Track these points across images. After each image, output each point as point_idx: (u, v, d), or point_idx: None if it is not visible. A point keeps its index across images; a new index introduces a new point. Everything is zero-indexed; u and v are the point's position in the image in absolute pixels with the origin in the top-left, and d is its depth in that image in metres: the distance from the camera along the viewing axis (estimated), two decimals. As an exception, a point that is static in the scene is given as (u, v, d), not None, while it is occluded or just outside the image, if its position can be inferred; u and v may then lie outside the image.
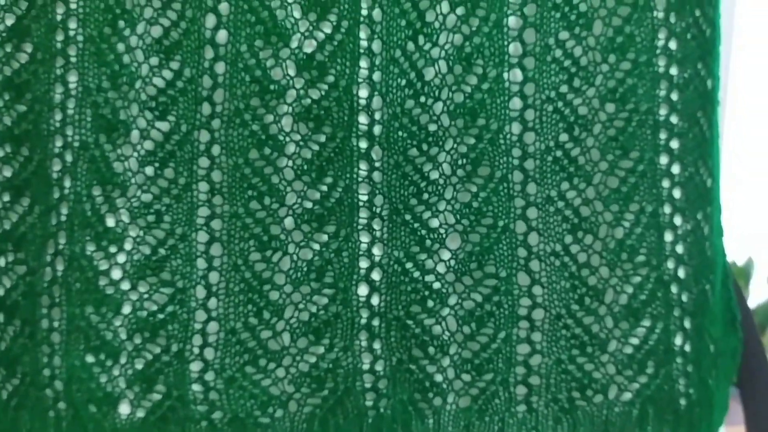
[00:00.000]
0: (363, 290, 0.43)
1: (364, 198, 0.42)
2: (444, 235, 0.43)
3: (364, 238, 0.43)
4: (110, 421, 0.43)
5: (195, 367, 0.43)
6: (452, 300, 0.43)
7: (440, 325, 0.43)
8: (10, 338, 0.44)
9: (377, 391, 0.44)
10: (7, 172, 0.42)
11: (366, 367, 0.44)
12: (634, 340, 0.44)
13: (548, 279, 0.44)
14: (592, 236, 0.43)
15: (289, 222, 0.42)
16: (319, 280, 0.42)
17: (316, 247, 0.42)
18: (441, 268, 0.43)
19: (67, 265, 0.42)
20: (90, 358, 0.43)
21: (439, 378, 0.44)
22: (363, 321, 0.43)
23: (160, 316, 0.42)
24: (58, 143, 0.41)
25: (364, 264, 0.43)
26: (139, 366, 0.43)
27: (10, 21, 0.41)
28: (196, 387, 0.43)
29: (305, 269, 0.42)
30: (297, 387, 0.43)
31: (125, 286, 0.42)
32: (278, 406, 0.43)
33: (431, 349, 0.43)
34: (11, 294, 0.43)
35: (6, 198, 0.43)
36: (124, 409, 0.43)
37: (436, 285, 0.43)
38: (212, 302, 0.42)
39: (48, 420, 0.44)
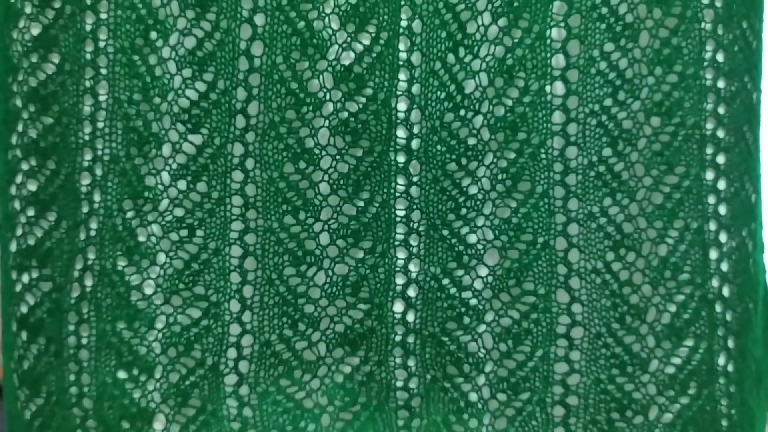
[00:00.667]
0: (399, 307, 0.42)
1: (402, 213, 0.41)
2: (482, 251, 0.41)
3: (401, 254, 0.41)
4: None
5: (230, 380, 0.42)
6: (489, 317, 0.42)
7: (476, 342, 0.42)
8: (34, 357, 0.42)
9: (410, 409, 0.43)
10: (32, 186, 0.41)
11: (400, 384, 0.42)
12: (677, 360, 0.43)
13: (588, 297, 0.42)
14: (635, 253, 0.42)
15: (324, 237, 0.41)
16: (355, 295, 0.41)
17: (352, 262, 0.41)
18: (478, 285, 0.42)
19: (97, 280, 0.41)
20: (122, 374, 0.42)
21: (474, 397, 0.43)
22: (398, 338, 0.42)
23: (194, 330, 0.41)
24: (88, 156, 0.40)
25: (400, 280, 0.42)
26: (173, 380, 0.42)
27: (36, 30, 0.40)
28: (231, 402, 0.42)
29: (340, 284, 0.41)
30: (330, 400, 0.42)
31: (158, 300, 0.41)
32: (311, 420, 0.42)
33: (466, 367, 0.42)
34: (35, 311, 0.42)
35: (30, 213, 0.41)
36: (158, 425, 0.42)
37: (473, 301, 0.42)
38: (246, 315, 0.41)
39: None
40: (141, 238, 0.41)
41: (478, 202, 0.41)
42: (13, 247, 0.42)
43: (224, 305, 0.41)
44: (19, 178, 0.41)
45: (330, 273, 0.41)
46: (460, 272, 0.41)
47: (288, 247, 0.40)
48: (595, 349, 0.43)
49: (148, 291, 0.41)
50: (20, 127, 0.40)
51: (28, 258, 0.41)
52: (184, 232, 0.41)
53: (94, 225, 0.41)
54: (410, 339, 0.42)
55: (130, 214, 0.40)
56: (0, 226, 0.43)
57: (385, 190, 0.40)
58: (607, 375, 0.43)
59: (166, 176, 0.40)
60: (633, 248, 0.42)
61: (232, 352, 0.42)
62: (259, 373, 0.42)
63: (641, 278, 0.42)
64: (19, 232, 0.41)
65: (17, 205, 0.41)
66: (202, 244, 0.41)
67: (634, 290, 0.42)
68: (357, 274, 0.41)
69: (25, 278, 0.42)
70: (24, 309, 0.42)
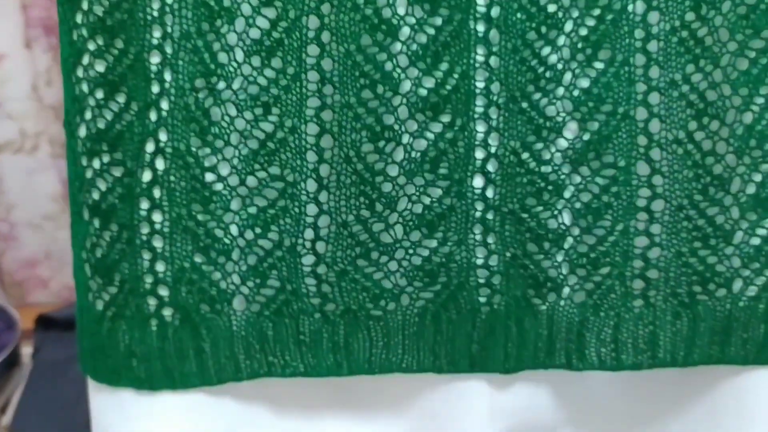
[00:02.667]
0: (478, 182, 0.40)
1: (481, 85, 0.39)
2: (561, 124, 0.40)
3: (480, 128, 0.39)
4: (225, 319, 0.41)
5: (307, 261, 0.41)
6: (568, 192, 0.41)
7: (556, 219, 0.41)
8: (107, 244, 0.41)
9: (491, 286, 0.42)
10: (100, 67, 0.39)
11: (480, 261, 0.41)
12: (762, 232, 0.41)
13: (670, 168, 0.41)
14: (719, 122, 0.40)
15: (402, 111, 0.39)
16: (434, 171, 0.40)
17: (431, 136, 0.39)
18: (558, 159, 0.40)
19: (170, 163, 0.39)
20: (199, 258, 0.40)
21: (553, 273, 0.41)
22: (478, 214, 0.41)
23: (271, 211, 0.40)
24: (157, 34, 0.38)
25: (480, 155, 0.40)
26: (251, 262, 0.41)
27: None
28: (309, 281, 0.41)
29: (419, 160, 0.39)
30: (409, 281, 0.41)
31: (233, 181, 0.40)
32: (390, 299, 0.42)
33: (546, 244, 0.41)
34: (107, 197, 0.40)
35: (99, 95, 0.39)
36: (238, 305, 0.41)
37: (553, 176, 0.40)
38: (323, 195, 0.40)
39: (149, 330, 0.42)
40: (214, 118, 0.39)
41: (557, 73, 0.39)
42: (83, 131, 0.40)
43: (300, 185, 0.40)
44: (86, 59, 0.39)
45: (409, 149, 0.39)
46: (540, 146, 0.40)
47: (366, 123, 0.39)
48: (677, 222, 0.41)
49: (224, 172, 0.40)
50: (85, 5, 0.38)
51: (98, 142, 0.40)
52: (258, 111, 0.39)
53: (165, 106, 0.39)
54: (490, 216, 0.41)
55: (202, 94, 0.38)
56: (67, 111, 0.41)
57: (465, 61, 0.38)
58: (688, 248, 0.41)
59: (239, 53, 0.38)
60: (717, 116, 0.40)
61: (309, 233, 0.40)
62: (337, 254, 0.41)
63: (725, 147, 0.40)
64: (88, 115, 0.40)
65: (85, 87, 0.39)
66: (277, 122, 0.39)
67: (717, 160, 0.40)
68: (436, 149, 0.39)
69: (96, 164, 0.40)
70: (96, 195, 0.40)
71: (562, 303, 0.42)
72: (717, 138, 0.40)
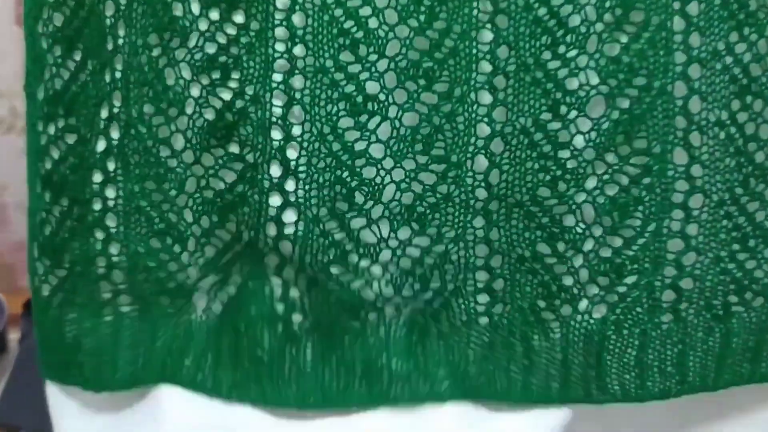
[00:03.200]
0: (480, 165, 0.33)
1: (485, 48, 0.32)
2: (584, 99, 0.33)
3: (484, 100, 0.32)
4: (185, 318, 0.36)
5: (272, 261, 0.34)
6: (590, 183, 0.34)
7: (574, 215, 0.34)
8: (56, 220, 0.36)
9: (491, 293, 0.35)
10: (58, 21, 0.34)
11: (480, 262, 0.34)
12: None
13: (710, 156, 0.34)
14: (762, 101, 0.33)
15: (389, 78, 0.32)
16: (427, 152, 0.32)
17: (424, 110, 0.32)
18: (578, 142, 0.33)
19: (123, 132, 0.33)
20: (155, 243, 0.34)
21: (569, 281, 0.34)
22: (479, 204, 0.33)
23: (229, 197, 0.33)
24: None
25: (482, 132, 0.33)
26: (209, 254, 0.34)
27: None
28: (275, 281, 0.34)
29: (409, 138, 0.32)
30: (396, 289, 0.34)
31: (188, 158, 0.33)
32: (371, 310, 0.34)
33: (561, 245, 0.34)
34: (59, 168, 0.35)
35: (57, 52, 0.34)
36: (200, 303, 0.36)
37: (571, 163, 0.33)
38: (290, 184, 0.32)
39: (102, 320, 0.36)
40: (169, 81, 0.32)
41: (580, 37, 0.32)
42: (41, 93, 0.35)
43: (263, 167, 0.32)
44: (45, 13, 0.34)
45: (397, 124, 0.32)
46: (557, 125, 0.33)
47: (345, 92, 0.32)
48: (716, 221, 0.34)
49: (177, 146, 0.33)
50: None
51: (54, 105, 0.35)
52: (216, 74, 0.32)
53: (119, 65, 0.33)
54: (493, 206, 0.33)
55: (156, 51, 0.32)
56: (28, 72, 0.36)
57: (465, 18, 0.31)
58: (727, 251, 0.35)
59: (195, 4, 0.32)
60: (760, 95, 0.33)
61: (272, 229, 0.33)
62: (306, 258, 0.33)
63: None
64: (47, 75, 0.35)
65: (44, 44, 0.34)
66: (237, 89, 0.32)
67: (760, 146, 0.34)
68: (430, 125, 0.32)
69: (51, 129, 0.35)
70: (48, 165, 0.35)
71: (578, 318, 0.35)
72: (760, 120, 0.34)
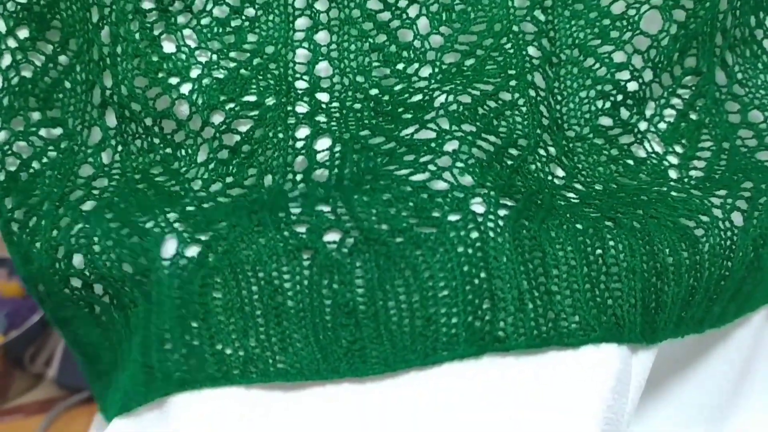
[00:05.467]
0: (540, 80, 0.29)
1: None
2: (637, 17, 0.29)
3: (529, 28, 0.29)
4: (152, 278, 0.28)
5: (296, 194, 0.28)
6: (650, 109, 0.30)
7: (642, 146, 0.31)
8: (19, 225, 0.32)
9: (593, 206, 0.28)
10: None
11: (560, 183, 0.30)
12: None
13: (744, 74, 0.31)
14: None
15: (423, 23, 0.29)
16: (479, 79, 0.29)
17: (465, 48, 0.29)
18: (637, 62, 0.30)
19: (119, 117, 0.30)
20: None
21: (683, 194, 0.31)
22: (545, 121, 0.30)
23: (246, 148, 0.29)
24: None
25: (534, 52, 0.29)
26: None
27: None
28: (293, 204, 0.27)
29: (455, 70, 0.29)
30: (477, 180, 0.27)
31: (195, 124, 0.30)
32: (449, 207, 0.26)
33: (643, 177, 0.31)
34: (31, 165, 0.31)
35: (23, 34, 0.30)
36: (168, 251, 0.28)
37: (632, 86, 0.30)
38: (321, 118, 0.28)
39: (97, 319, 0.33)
40: (168, 49, 0.29)
41: None
42: None
43: (287, 108, 0.28)
44: None
45: (438, 64, 0.29)
46: (609, 48, 0.30)
47: (376, 42, 0.28)
48: None
49: (181, 115, 0.30)
50: None
51: (24, 96, 0.31)
52: (229, 39, 0.28)
53: (107, 39, 0.29)
54: (556, 131, 0.30)
55: (151, 16, 0.29)
56: None
57: None
58: None
59: None
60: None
61: (301, 162, 0.28)
62: (344, 171, 0.27)
63: None
64: (6, 61, 0.31)
65: (1, 25, 0.30)
66: (255, 50, 0.28)
67: None
68: (475, 58, 0.29)
69: (18, 125, 0.31)
70: (12, 167, 0.31)
71: (722, 226, 0.30)
72: None
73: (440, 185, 0.25)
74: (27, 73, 0.31)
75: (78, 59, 0.30)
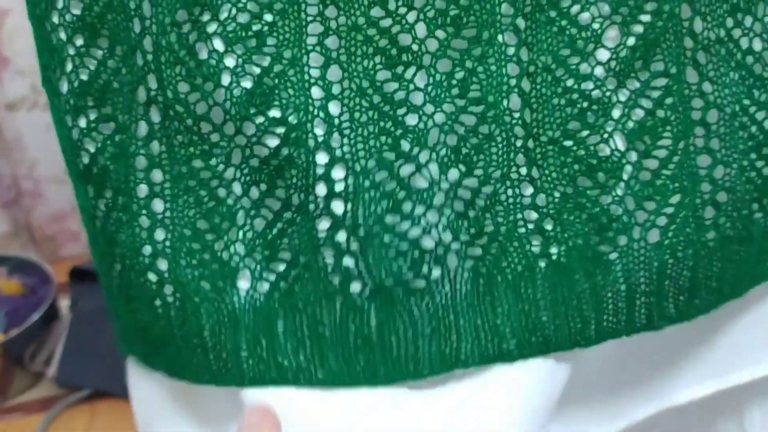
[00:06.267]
0: (515, 103, 0.33)
1: None
2: (599, 31, 0.33)
3: (510, 40, 0.33)
4: (228, 300, 0.34)
5: (323, 226, 0.33)
6: (617, 111, 0.34)
7: (607, 144, 0.34)
8: (103, 214, 0.35)
9: (543, 233, 0.34)
10: (76, 9, 0.33)
11: (527, 201, 0.34)
12: None
13: (716, 72, 0.34)
14: (752, 17, 0.34)
15: (420, 28, 0.32)
16: (464, 95, 0.33)
17: (456, 55, 0.33)
18: (599, 72, 0.34)
19: (163, 114, 0.33)
20: (202, 224, 0.34)
21: (617, 211, 0.35)
22: (519, 142, 0.34)
23: (275, 162, 0.33)
24: None
25: (513, 71, 0.33)
26: (258, 227, 0.34)
27: None
28: (326, 251, 0.33)
29: (446, 84, 0.33)
30: (455, 234, 0.34)
31: (230, 130, 0.33)
32: (434, 263, 0.34)
33: (601, 176, 0.34)
34: (98, 159, 0.34)
35: (79, 41, 0.33)
36: (243, 283, 0.34)
37: (596, 93, 0.34)
38: (335, 139, 0.32)
39: (154, 310, 0.36)
40: (202, 56, 0.32)
41: None
42: (64, 87, 0.34)
43: (306, 127, 0.32)
44: (60, 2, 0.33)
45: (432, 71, 0.33)
46: (576, 60, 0.33)
47: (379, 46, 0.32)
48: (733, 133, 0.35)
49: (217, 119, 0.33)
50: None
51: (82, 97, 0.34)
52: (251, 43, 0.32)
53: (149, 47, 0.33)
54: (530, 144, 0.34)
55: (186, 27, 0.32)
56: (44, 66, 0.35)
57: None
58: (748, 161, 0.36)
59: None
60: (748, 11, 0.34)
61: (321, 188, 0.33)
62: (358, 212, 0.33)
63: (760, 44, 0.34)
64: (68, 67, 0.34)
65: (62, 35, 0.33)
66: (274, 54, 0.32)
67: (756, 59, 0.34)
68: (463, 69, 0.33)
69: (83, 122, 0.34)
70: (85, 159, 0.35)
71: (635, 246, 0.35)
72: (752, 34, 0.34)
73: (428, 242, 0.33)
74: (84, 77, 0.34)
75: (124, 63, 0.33)
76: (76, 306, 1.03)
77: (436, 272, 0.34)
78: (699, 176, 0.35)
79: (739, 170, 0.36)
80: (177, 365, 0.37)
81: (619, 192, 0.35)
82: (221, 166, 0.34)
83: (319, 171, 0.33)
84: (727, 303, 0.38)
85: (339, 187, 0.33)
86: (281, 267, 0.34)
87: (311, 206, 0.33)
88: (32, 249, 1.15)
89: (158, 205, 0.35)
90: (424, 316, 0.34)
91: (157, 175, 0.34)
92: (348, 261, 0.33)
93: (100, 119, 0.34)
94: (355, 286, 0.33)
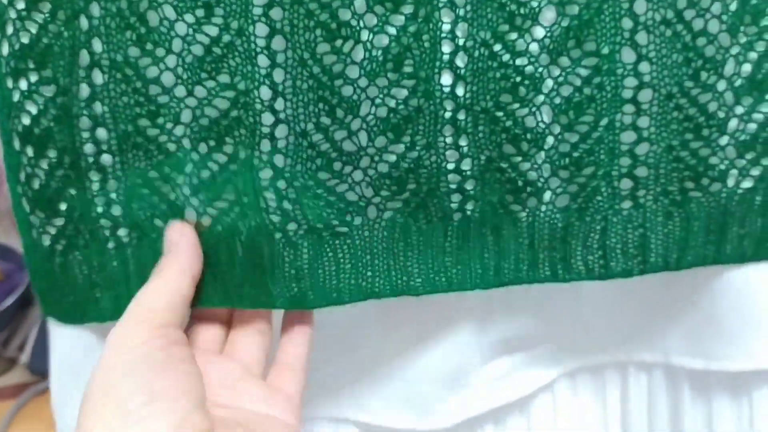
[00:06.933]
0: (447, 79, 0.35)
1: None
2: (537, 9, 0.35)
3: (446, 18, 0.34)
4: None
5: (265, 174, 0.36)
6: (547, 86, 0.36)
7: (534, 116, 0.36)
8: (45, 173, 0.36)
9: (463, 192, 0.37)
10: None
11: (451, 166, 0.37)
12: (759, 117, 0.37)
13: (657, 53, 0.36)
14: None
15: (360, 4, 0.34)
16: (398, 70, 0.35)
17: (393, 31, 0.34)
18: (534, 49, 0.35)
19: (108, 76, 0.35)
20: (153, 174, 0.36)
21: (533, 176, 0.37)
22: (447, 114, 0.36)
23: (224, 122, 0.35)
24: None
25: (447, 48, 0.35)
26: (205, 176, 0.36)
27: None
28: (268, 194, 0.36)
29: (381, 59, 0.35)
30: (376, 190, 0.37)
31: (180, 92, 0.35)
32: (356, 213, 0.37)
33: (524, 145, 0.36)
34: (40, 121, 0.35)
35: (21, 5, 0.34)
36: (190, 216, 0.37)
37: (529, 69, 0.35)
38: (279, 103, 0.35)
39: (108, 254, 0.38)
40: (152, 23, 0.34)
41: None
42: (5, 49, 0.35)
43: (253, 93, 0.35)
44: None
45: (369, 46, 0.34)
46: (513, 35, 0.35)
47: (320, 20, 0.34)
48: (666, 113, 0.36)
49: (168, 83, 0.35)
50: None
51: (23, 60, 0.35)
52: (200, 12, 0.34)
53: (96, 12, 0.34)
54: (461, 116, 0.36)
55: None
56: None
57: None
58: (679, 140, 0.37)
59: None
60: None
61: (265, 144, 0.36)
62: (296, 167, 0.36)
63: (718, 26, 0.35)
64: (9, 30, 0.35)
65: None
66: (222, 25, 0.34)
67: (710, 40, 0.35)
68: (399, 45, 0.34)
69: (23, 84, 0.35)
70: (26, 120, 0.36)
71: (543, 208, 0.38)
72: (709, 15, 0.35)
73: (352, 196, 0.37)
74: (25, 39, 0.34)
75: (66, 27, 0.34)
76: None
77: (358, 220, 0.38)
78: (619, 151, 0.37)
79: (667, 149, 0.37)
80: (124, 305, 0.36)
81: (539, 160, 0.37)
82: (170, 125, 0.36)
83: (265, 130, 0.35)
84: (667, 274, 0.40)
85: (281, 144, 0.36)
86: (224, 205, 0.37)
87: (255, 161, 0.36)
88: (14, 235, 1.15)
89: (107, 159, 0.37)
90: (345, 255, 0.38)
91: (102, 133, 0.36)
92: (287, 205, 0.36)
93: (41, 81, 0.35)
94: (292, 226, 0.37)
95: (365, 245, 0.38)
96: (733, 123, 0.37)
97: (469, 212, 0.38)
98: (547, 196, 0.38)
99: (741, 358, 0.44)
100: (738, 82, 0.36)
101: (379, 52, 0.35)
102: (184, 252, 0.36)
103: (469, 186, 0.37)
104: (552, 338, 0.46)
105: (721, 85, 0.36)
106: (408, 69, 0.35)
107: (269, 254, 0.37)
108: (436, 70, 0.35)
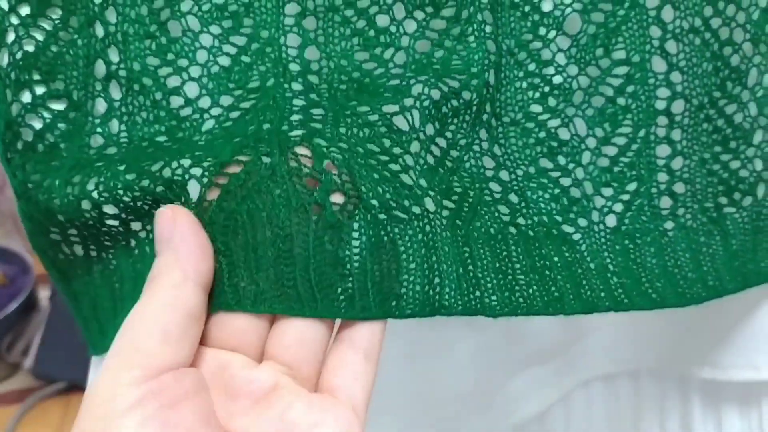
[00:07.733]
0: (493, 78, 0.33)
1: None
2: (561, 18, 0.34)
3: (488, 19, 0.33)
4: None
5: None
6: (578, 97, 0.35)
7: (567, 128, 0.34)
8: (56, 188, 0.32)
9: (509, 204, 0.34)
10: None
11: (489, 173, 0.35)
12: None
13: (688, 62, 0.34)
14: (734, 5, 0.34)
15: (398, 9, 0.32)
16: (446, 67, 0.33)
17: (434, 36, 0.33)
18: (560, 58, 0.34)
19: (126, 90, 0.32)
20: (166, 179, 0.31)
21: (576, 194, 0.35)
22: (485, 116, 0.34)
23: (253, 127, 0.31)
24: None
25: (492, 47, 0.33)
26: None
27: None
28: (303, 150, 0.30)
29: (425, 62, 0.33)
30: (429, 183, 0.33)
31: (205, 103, 0.32)
32: (413, 200, 0.32)
33: (561, 159, 0.35)
34: (45, 136, 0.31)
35: (25, 11, 0.30)
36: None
37: (557, 79, 0.34)
38: (312, 82, 0.32)
39: (131, 253, 0.32)
40: (174, 33, 0.32)
41: None
42: (4, 59, 0.31)
43: (284, 86, 0.32)
44: None
45: (411, 51, 0.33)
46: (538, 44, 0.34)
47: (357, 27, 0.32)
48: (697, 125, 0.35)
49: (191, 94, 0.32)
50: None
51: (27, 70, 0.31)
52: (227, 23, 0.32)
53: (112, 19, 0.31)
54: (493, 122, 0.34)
55: (158, 3, 0.31)
56: None
57: None
58: (710, 153, 0.36)
59: None
60: (732, 0, 0.34)
61: (296, 131, 0.31)
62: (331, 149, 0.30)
63: (742, 35, 0.34)
64: (10, 37, 0.31)
65: (3, 3, 0.31)
66: (251, 34, 0.32)
67: (735, 50, 0.34)
68: (443, 48, 0.33)
69: (26, 97, 0.31)
70: (28, 137, 0.31)
71: (595, 228, 0.35)
72: (734, 24, 0.34)
73: (406, 179, 0.31)
74: (30, 48, 0.30)
75: (79, 35, 0.31)
76: (56, 297, 1.02)
77: (417, 209, 0.31)
78: (657, 166, 0.36)
79: (700, 162, 0.36)
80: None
81: (579, 176, 0.35)
82: (188, 134, 0.33)
83: (297, 106, 0.32)
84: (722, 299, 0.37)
85: (317, 115, 0.32)
86: (238, 171, 0.29)
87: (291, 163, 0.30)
88: (16, 238, 1.14)
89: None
90: (408, 251, 0.30)
91: (111, 151, 0.32)
92: (330, 168, 0.30)
93: (49, 95, 0.31)
94: (337, 197, 0.29)
95: (429, 240, 0.32)
96: (758, 135, 0.36)
97: (523, 228, 0.34)
98: (595, 216, 0.35)
99: (747, 369, 0.43)
100: (760, 93, 0.35)
101: (423, 56, 0.33)
102: (181, 247, 0.27)
103: (513, 199, 0.35)
104: (567, 350, 0.46)
105: (745, 96, 0.35)
106: (458, 64, 0.33)
107: (303, 241, 0.29)
108: (486, 67, 0.33)
